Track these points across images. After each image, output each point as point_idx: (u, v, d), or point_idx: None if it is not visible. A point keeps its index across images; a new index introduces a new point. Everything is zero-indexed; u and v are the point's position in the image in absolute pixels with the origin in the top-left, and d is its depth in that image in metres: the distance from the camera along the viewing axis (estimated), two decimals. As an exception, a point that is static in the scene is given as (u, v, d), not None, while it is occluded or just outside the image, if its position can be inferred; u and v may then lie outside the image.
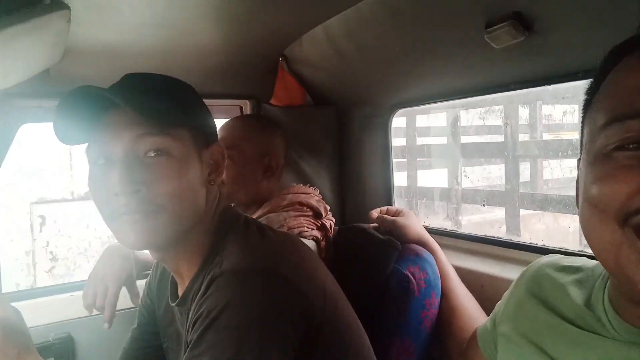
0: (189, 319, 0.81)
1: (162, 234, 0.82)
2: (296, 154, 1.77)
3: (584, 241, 0.60)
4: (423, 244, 1.30)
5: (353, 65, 1.53)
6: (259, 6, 1.17)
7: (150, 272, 1.17)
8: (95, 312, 1.25)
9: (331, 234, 1.46)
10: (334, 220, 1.51)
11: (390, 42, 1.31)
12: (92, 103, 0.79)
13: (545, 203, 3.73)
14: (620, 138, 0.52)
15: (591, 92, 0.62)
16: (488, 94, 1.33)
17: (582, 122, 0.63)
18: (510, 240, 1.33)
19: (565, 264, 0.77)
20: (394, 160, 1.76)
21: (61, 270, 5.20)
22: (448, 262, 1.29)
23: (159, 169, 0.80)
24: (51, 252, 5.20)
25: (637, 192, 0.50)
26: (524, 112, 4.34)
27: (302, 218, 1.39)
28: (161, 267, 1.10)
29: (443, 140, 4.86)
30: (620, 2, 0.83)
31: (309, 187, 1.55)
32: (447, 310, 1.20)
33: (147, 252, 1.07)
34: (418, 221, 1.38)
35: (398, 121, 1.79)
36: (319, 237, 1.40)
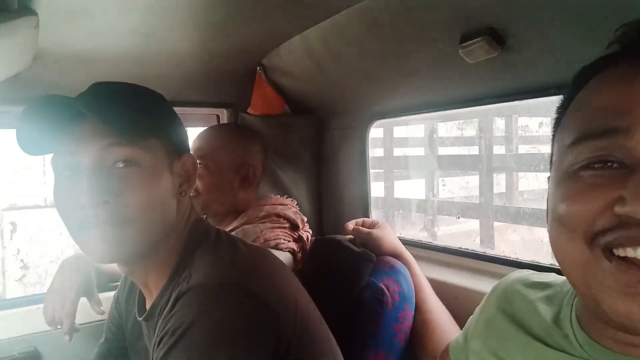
0: (155, 335, 0.79)
1: (130, 246, 0.80)
2: (274, 163, 1.76)
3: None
4: (398, 256, 1.30)
5: (331, 76, 1.53)
6: (237, 15, 1.16)
7: (118, 284, 1.14)
8: (59, 327, 1.21)
9: (308, 245, 1.45)
10: (311, 232, 1.50)
11: (367, 53, 1.32)
12: (57, 112, 0.77)
13: (518, 216, 3.80)
14: (587, 157, 0.53)
15: (561, 111, 0.62)
16: (463, 107, 1.34)
17: (552, 140, 0.63)
18: (484, 253, 1.34)
19: (535, 279, 0.77)
20: (371, 170, 1.76)
21: (32, 278, 5.06)
22: (422, 275, 1.29)
23: (128, 180, 0.78)
24: (22, 260, 5.06)
25: (602, 212, 0.50)
26: (500, 124, 4.42)
27: (278, 230, 1.38)
28: (129, 280, 1.07)
29: (420, 151, 4.91)
30: (592, 20, 0.85)
31: (287, 198, 1.54)
32: (420, 322, 1.20)
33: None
34: (393, 233, 1.38)
35: (375, 132, 1.79)
36: (296, 249, 1.39)
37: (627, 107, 0.50)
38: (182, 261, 0.85)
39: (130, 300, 1.04)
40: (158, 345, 0.72)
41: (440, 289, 1.30)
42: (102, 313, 1.22)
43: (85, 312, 1.23)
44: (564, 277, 0.71)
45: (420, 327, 1.19)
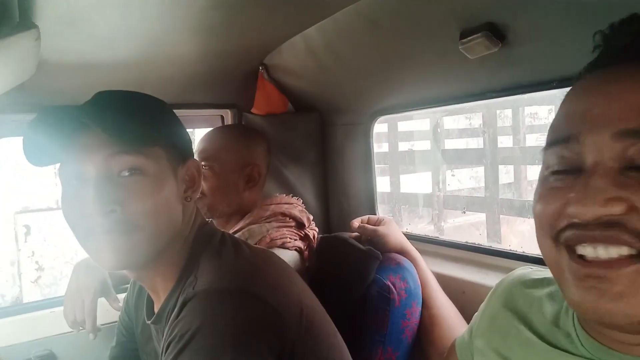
0: (163, 339, 0.80)
1: (138, 253, 0.81)
2: (279, 162, 1.77)
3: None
4: (404, 253, 1.31)
5: (333, 74, 1.53)
6: (237, 16, 1.17)
7: (128, 287, 1.16)
8: (81, 328, 1.23)
9: (314, 243, 1.45)
10: (317, 230, 1.51)
11: (368, 51, 1.32)
12: (62, 124, 0.78)
13: (523, 210, 3.77)
14: (553, 163, 0.56)
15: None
16: (465, 102, 1.34)
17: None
18: (491, 247, 1.34)
19: (538, 276, 0.77)
20: (377, 166, 1.76)
21: (47, 279, 5.14)
22: (429, 270, 1.30)
23: (134, 188, 0.80)
24: (37, 262, 5.13)
25: (560, 212, 0.54)
26: (507, 114, 4.38)
27: (284, 229, 1.39)
28: (138, 284, 1.09)
29: (425, 145, 4.88)
30: (592, 11, 0.85)
31: (292, 197, 1.54)
32: (427, 318, 1.20)
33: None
34: (399, 230, 1.38)
35: (380, 127, 1.79)
36: (302, 247, 1.40)
37: (579, 116, 0.54)
38: (188, 265, 0.86)
39: (139, 303, 1.06)
40: (166, 350, 0.73)
41: (448, 283, 1.30)
42: (120, 309, 1.24)
43: (99, 314, 1.25)
44: None
45: (427, 323, 1.20)
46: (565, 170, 0.55)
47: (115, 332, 1.18)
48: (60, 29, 1.03)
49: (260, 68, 1.65)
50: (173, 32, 1.20)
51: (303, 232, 1.43)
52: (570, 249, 0.54)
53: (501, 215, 3.88)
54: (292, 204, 1.49)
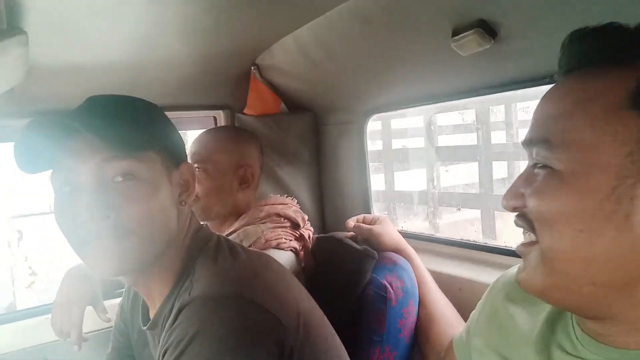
0: (159, 346, 0.80)
1: (133, 258, 0.80)
2: (273, 162, 1.76)
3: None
4: (400, 252, 1.30)
5: (325, 72, 1.53)
6: (228, 18, 1.16)
7: (123, 292, 1.15)
8: (68, 338, 1.22)
9: (310, 244, 1.45)
10: (312, 230, 1.50)
11: (361, 49, 1.31)
12: (53, 131, 0.77)
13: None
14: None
15: None
16: (458, 99, 1.34)
17: None
18: (487, 244, 1.34)
19: None
20: (371, 164, 1.76)
21: (41, 285, 5.10)
22: (425, 269, 1.29)
23: (128, 193, 0.79)
24: (30, 267, 5.10)
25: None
26: (500, 110, 4.39)
27: (279, 229, 1.38)
28: (133, 290, 1.08)
29: (419, 142, 4.89)
30: (581, 7, 0.85)
31: (287, 197, 1.54)
32: (424, 317, 1.20)
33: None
34: (394, 228, 1.38)
35: (373, 124, 1.79)
36: (298, 247, 1.39)
37: (535, 121, 0.59)
38: (183, 270, 0.86)
39: (134, 309, 1.05)
40: (163, 357, 0.73)
41: (444, 281, 1.30)
42: (109, 321, 1.23)
43: (93, 320, 1.24)
44: None
45: (424, 322, 1.20)
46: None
47: (110, 338, 1.17)
48: (49, 34, 1.02)
49: (253, 68, 1.64)
50: (164, 36, 1.19)
51: (298, 233, 1.42)
52: None
53: (496, 211, 3.90)
54: (286, 204, 1.48)
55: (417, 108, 1.55)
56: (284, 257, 1.31)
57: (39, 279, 5.08)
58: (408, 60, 1.25)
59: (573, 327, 0.63)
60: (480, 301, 0.87)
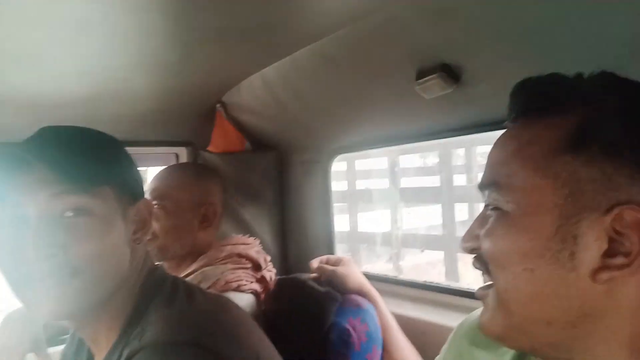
0: None
1: (81, 300, 0.74)
2: (236, 202, 1.72)
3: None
4: (364, 294, 1.28)
5: (291, 112, 1.53)
6: (193, 54, 1.15)
7: (67, 338, 1.07)
8: None
9: (271, 285, 1.40)
10: (274, 271, 1.46)
11: (326, 90, 1.32)
12: (1, 162, 0.72)
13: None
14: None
15: None
16: (422, 140, 1.36)
17: None
18: (450, 286, 1.33)
19: None
20: (335, 204, 1.75)
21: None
22: (389, 312, 1.27)
23: (79, 229, 0.73)
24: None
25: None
26: (461, 154, 4.51)
27: (240, 271, 1.33)
28: (78, 335, 1.00)
29: (383, 183, 4.95)
30: (541, 52, 0.88)
31: (249, 237, 1.50)
32: (389, 363, 1.17)
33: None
34: (358, 270, 1.35)
35: (338, 165, 1.79)
36: (259, 290, 1.34)
37: (487, 165, 0.60)
38: (134, 315, 0.79)
39: (79, 357, 0.97)
40: None
41: (407, 324, 1.27)
42: None
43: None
44: None
45: (389, 368, 1.16)
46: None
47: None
48: (5, 64, 0.99)
49: (218, 106, 1.63)
50: (124, 69, 1.17)
51: (259, 274, 1.38)
52: None
53: (458, 253, 3.94)
54: (248, 244, 1.44)
55: (382, 149, 1.56)
56: (244, 300, 1.26)
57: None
58: (373, 101, 1.27)
59: None
60: (444, 346, 0.85)
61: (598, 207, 0.49)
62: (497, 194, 0.56)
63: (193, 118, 1.65)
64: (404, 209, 4.70)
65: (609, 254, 0.49)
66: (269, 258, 1.45)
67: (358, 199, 4.91)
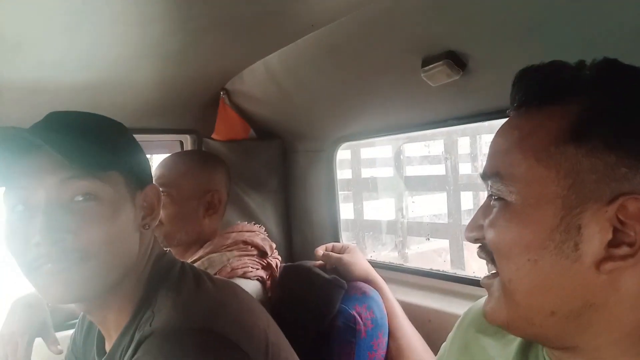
0: None
1: (90, 284, 0.75)
2: (240, 189, 1.72)
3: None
4: (369, 281, 1.28)
5: (295, 100, 1.52)
6: (196, 43, 1.14)
7: (76, 323, 1.08)
8: None
9: (277, 273, 1.41)
10: (280, 258, 1.47)
11: (330, 78, 1.31)
12: (10, 144, 0.72)
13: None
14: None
15: None
16: (427, 129, 1.35)
17: None
18: (455, 274, 1.33)
19: None
20: (340, 192, 1.75)
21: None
22: (394, 299, 1.27)
23: (88, 214, 0.74)
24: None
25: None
26: (466, 143, 4.49)
27: (246, 258, 1.34)
28: (88, 319, 1.01)
29: (389, 171, 4.93)
30: (548, 39, 0.87)
31: (254, 224, 1.50)
32: (394, 350, 1.17)
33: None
34: (364, 258, 1.36)
35: (343, 153, 1.79)
36: (265, 276, 1.35)
37: (489, 154, 0.60)
38: (144, 300, 0.80)
39: (88, 341, 0.98)
40: None
41: (413, 312, 1.28)
42: (60, 352, 1.15)
43: (43, 353, 1.16)
44: None
45: (394, 355, 1.17)
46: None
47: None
48: (5, 52, 0.98)
49: (222, 93, 1.62)
50: (128, 58, 1.17)
51: (265, 261, 1.38)
52: None
53: (464, 242, 3.94)
54: (254, 231, 1.44)
55: (387, 137, 1.55)
56: (250, 287, 1.26)
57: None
58: (378, 89, 1.26)
59: (544, 357, 0.62)
60: (450, 333, 0.85)
61: (601, 197, 0.49)
62: (500, 184, 0.56)
63: (197, 106, 1.64)
64: (409, 197, 4.69)
65: (612, 244, 0.49)
66: (274, 245, 1.45)
67: (363, 187, 4.91)
